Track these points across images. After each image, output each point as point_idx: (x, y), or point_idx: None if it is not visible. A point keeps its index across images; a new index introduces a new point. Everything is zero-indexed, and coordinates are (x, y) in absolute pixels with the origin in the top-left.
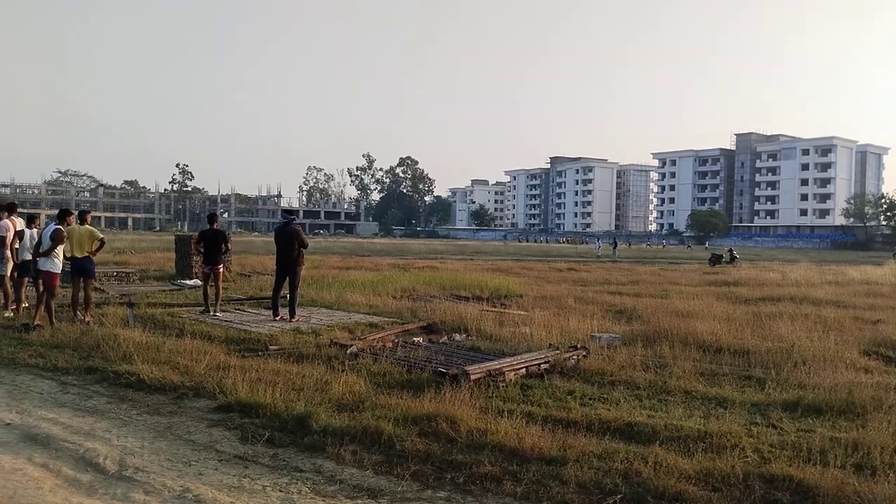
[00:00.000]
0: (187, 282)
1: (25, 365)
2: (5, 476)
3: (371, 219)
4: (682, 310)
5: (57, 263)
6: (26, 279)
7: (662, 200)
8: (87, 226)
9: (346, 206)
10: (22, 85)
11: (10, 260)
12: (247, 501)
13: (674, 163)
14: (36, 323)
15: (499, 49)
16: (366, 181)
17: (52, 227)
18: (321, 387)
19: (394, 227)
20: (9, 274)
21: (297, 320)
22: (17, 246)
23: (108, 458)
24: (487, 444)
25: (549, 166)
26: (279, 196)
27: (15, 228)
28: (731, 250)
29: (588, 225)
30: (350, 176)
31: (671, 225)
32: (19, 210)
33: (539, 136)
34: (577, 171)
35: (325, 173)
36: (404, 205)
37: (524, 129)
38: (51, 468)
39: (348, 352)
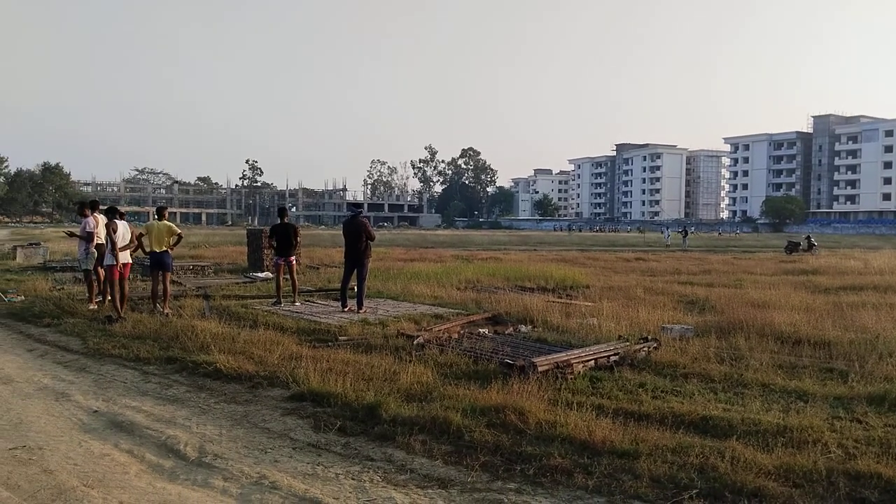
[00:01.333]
0: (259, 274)
1: (109, 355)
2: (95, 460)
3: (433, 210)
4: (758, 300)
5: (111, 258)
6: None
7: (735, 187)
8: (166, 221)
9: (409, 199)
10: (102, 86)
11: (95, 255)
12: (321, 489)
13: (747, 147)
14: (118, 315)
15: (561, 36)
16: (428, 173)
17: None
18: (390, 377)
19: (456, 219)
20: (93, 268)
21: (365, 311)
22: (100, 241)
23: (188, 444)
24: (557, 436)
25: (614, 153)
26: (344, 190)
27: (98, 225)
28: (808, 237)
29: (656, 213)
30: (413, 168)
31: (744, 212)
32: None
33: (604, 124)
34: (645, 158)
35: (389, 166)
36: (466, 196)
37: (588, 116)
38: (135, 454)
39: (415, 342)
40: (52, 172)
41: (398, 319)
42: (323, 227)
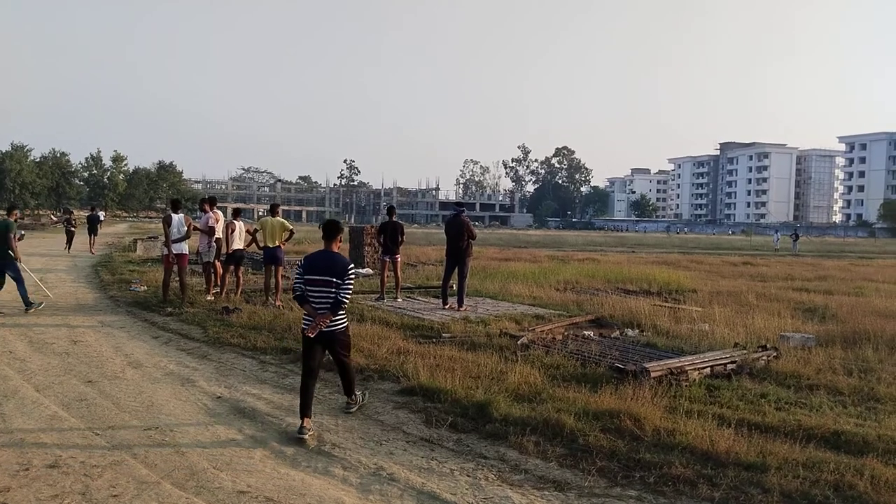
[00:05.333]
0: (360, 270)
1: (229, 344)
2: (222, 444)
3: (525, 210)
4: (885, 309)
5: (185, 247)
6: (231, 267)
7: (849, 189)
8: (279, 218)
9: (500, 198)
10: (214, 89)
11: (215, 248)
12: (437, 484)
13: (864, 146)
14: (234, 306)
15: (657, 31)
16: (520, 173)
17: (183, 217)
18: (497, 376)
19: (548, 219)
20: (212, 260)
21: (466, 309)
22: (219, 235)
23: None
24: (676, 444)
25: (718, 153)
26: (437, 189)
27: (217, 221)
28: None
29: (762, 216)
30: (505, 168)
31: (859, 216)
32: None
33: (706, 122)
34: (751, 158)
35: (481, 166)
36: (559, 196)
37: (689, 114)
38: (258, 439)
39: (519, 342)
40: (166, 170)
41: (499, 318)
42: (416, 225)
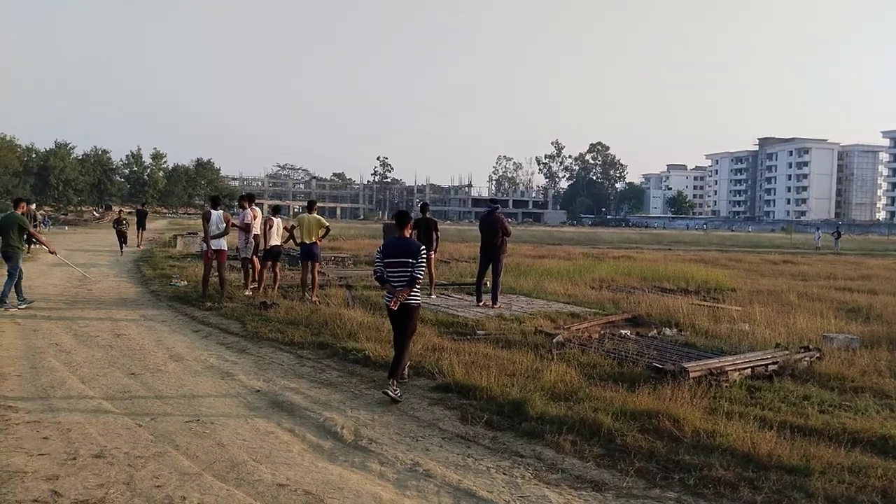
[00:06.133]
0: None
1: (267, 339)
2: (261, 437)
3: (558, 207)
4: None
5: (223, 243)
6: (268, 262)
7: (894, 185)
8: (315, 215)
9: (533, 195)
10: (251, 87)
11: (252, 244)
12: (473, 481)
13: None
14: (271, 301)
15: (694, 24)
16: (554, 169)
17: (222, 213)
18: (532, 374)
19: (582, 216)
20: (250, 256)
21: (500, 307)
22: (257, 231)
23: (344, 427)
24: (717, 446)
25: (756, 148)
26: (469, 186)
27: (255, 218)
28: None
29: (803, 213)
30: (538, 164)
31: None
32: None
33: (744, 117)
34: (791, 153)
35: (514, 162)
36: (593, 192)
37: (726, 109)
38: (297, 433)
39: (554, 341)
40: (204, 167)
41: (534, 316)
42: (448, 222)
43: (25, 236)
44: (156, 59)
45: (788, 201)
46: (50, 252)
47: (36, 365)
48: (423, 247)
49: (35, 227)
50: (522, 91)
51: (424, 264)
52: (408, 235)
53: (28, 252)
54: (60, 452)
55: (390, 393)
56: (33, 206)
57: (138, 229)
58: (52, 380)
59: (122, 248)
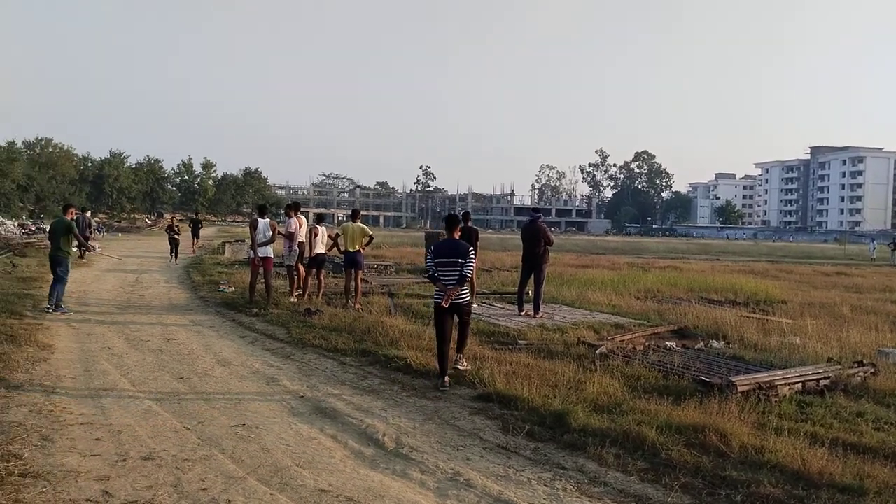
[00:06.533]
0: None
1: (311, 345)
2: (304, 443)
3: (602, 216)
4: None
5: (270, 251)
6: (313, 270)
7: None
8: (359, 223)
9: (577, 204)
10: (297, 98)
11: (297, 252)
12: (514, 492)
13: None
14: (315, 308)
15: (743, 31)
16: (598, 177)
17: (268, 222)
18: (575, 385)
19: (627, 225)
20: (295, 263)
21: (542, 316)
22: (301, 239)
23: (385, 435)
24: (765, 463)
25: (808, 157)
26: (512, 195)
27: (300, 226)
28: None
29: (857, 223)
30: (582, 173)
31: None
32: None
33: (794, 125)
34: (844, 162)
35: (558, 171)
36: (638, 201)
37: (776, 116)
38: (339, 440)
39: (598, 352)
40: (252, 176)
41: (577, 327)
42: (490, 230)
43: (75, 242)
44: (206, 71)
45: (842, 211)
46: (89, 251)
47: (89, 368)
48: (472, 248)
49: (90, 233)
50: (567, 99)
51: (473, 263)
52: (457, 237)
53: (82, 258)
54: (111, 454)
55: (460, 367)
56: (88, 214)
57: (193, 237)
58: (104, 383)
59: (175, 256)
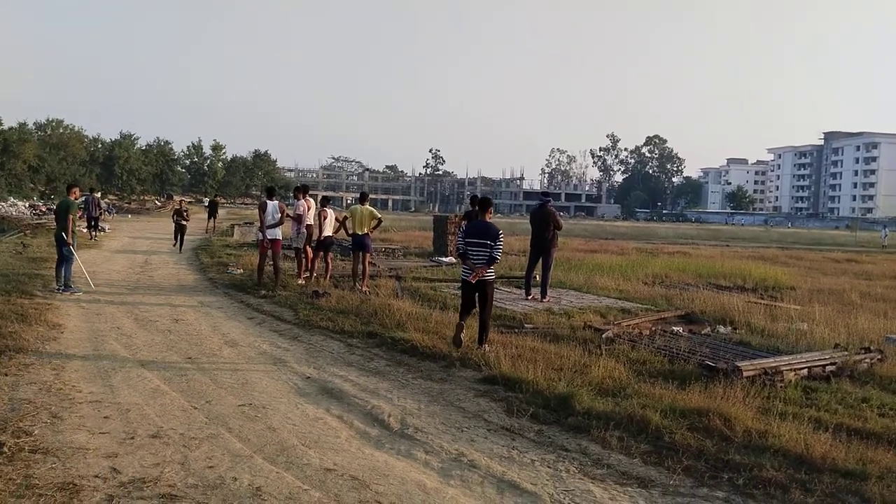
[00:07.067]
0: (444, 259)
1: (318, 327)
2: (310, 423)
3: (612, 201)
4: None
5: (279, 233)
6: (320, 252)
7: None
8: (368, 206)
9: (587, 188)
10: (308, 80)
11: (305, 234)
12: (517, 473)
13: None
14: (323, 290)
15: (754, 12)
16: (608, 162)
17: (277, 204)
18: (580, 369)
19: (637, 210)
20: (303, 246)
21: (549, 301)
22: (310, 222)
23: (391, 416)
24: (768, 447)
25: (822, 142)
26: (521, 179)
27: (309, 209)
28: None
29: (869, 210)
30: (592, 157)
31: None
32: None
33: (807, 110)
34: (858, 148)
35: (568, 155)
36: (649, 186)
37: (789, 102)
38: (345, 420)
39: (604, 336)
40: (261, 159)
41: (583, 311)
42: (499, 214)
43: (90, 223)
44: (215, 54)
45: (854, 198)
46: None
47: (98, 347)
48: (502, 231)
49: (99, 214)
50: (577, 83)
51: (502, 245)
52: (488, 219)
53: (93, 238)
54: (120, 432)
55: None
56: (98, 195)
57: (209, 218)
58: (112, 363)
59: (179, 242)
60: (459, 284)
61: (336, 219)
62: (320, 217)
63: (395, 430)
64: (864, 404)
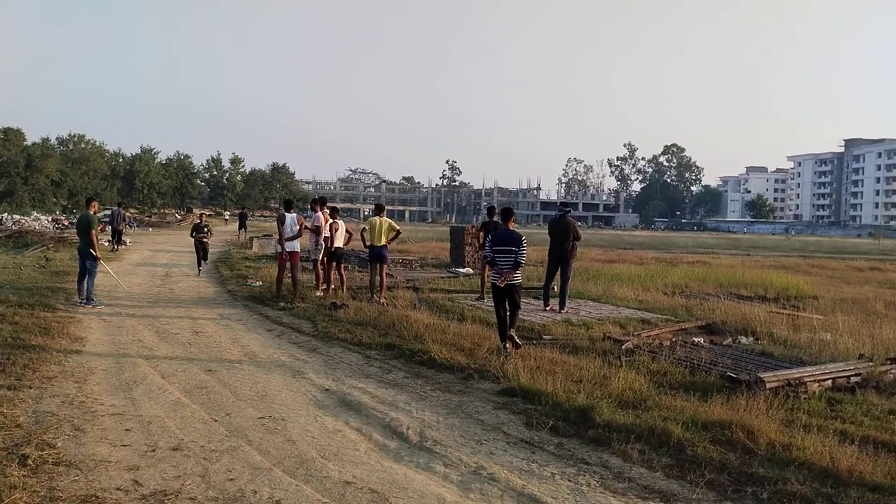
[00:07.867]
0: (461, 270)
1: (336, 339)
2: (329, 435)
3: (630, 210)
4: None
5: (297, 245)
6: (333, 263)
7: None
8: (385, 218)
9: (604, 198)
10: (326, 94)
11: (323, 246)
12: (538, 487)
13: None
14: (341, 302)
15: (774, 19)
16: (626, 171)
17: (295, 216)
18: (600, 381)
19: (655, 219)
20: (321, 259)
21: (567, 312)
22: (326, 234)
23: (409, 428)
24: (793, 460)
25: (842, 150)
26: (538, 189)
27: (326, 221)
28: None
29: (892, 217)
30: (610, 166)
31: None
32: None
33: (827, 117)
34: (880, 155)
35: (585, 164)
36: (667, 195)
37: (810, 108)
38: (363, 432)
39: (623, 347)
40: (279, 171)
41: (602, 322)
42: (516, 225)
43: (114, 235)
44: (237, 69)
45: (877, 205)
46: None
47: (120, 360)
48: (525, 237)
49: (123, 227)
50: (594, 92)
51: (526, 251)
52: (511, 227)
53: (114, 250)
54: (141, 444)
55: (505, 350)
56: (122, 209)
57: (240, 229)
58: (133, 375)
59: (200, 263)
60: (477, 296)
61: (347, 230)
62: (331, 228)
63: (413, 443)
64: (891, 416)
